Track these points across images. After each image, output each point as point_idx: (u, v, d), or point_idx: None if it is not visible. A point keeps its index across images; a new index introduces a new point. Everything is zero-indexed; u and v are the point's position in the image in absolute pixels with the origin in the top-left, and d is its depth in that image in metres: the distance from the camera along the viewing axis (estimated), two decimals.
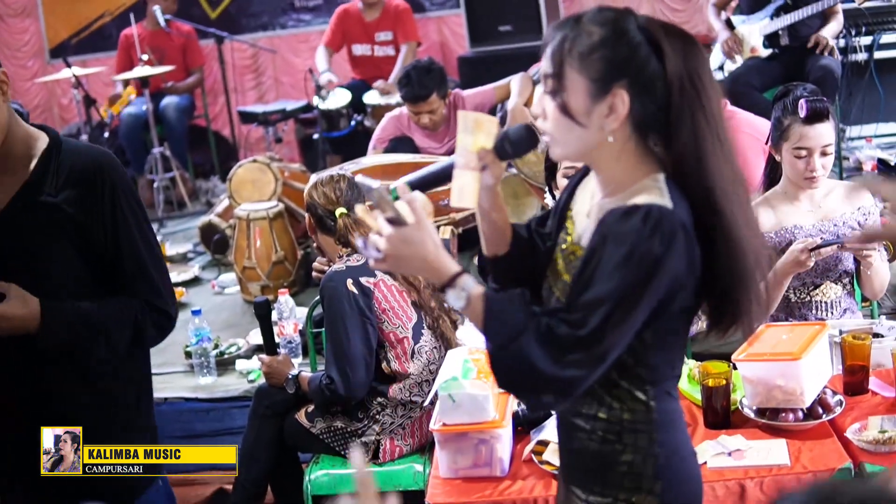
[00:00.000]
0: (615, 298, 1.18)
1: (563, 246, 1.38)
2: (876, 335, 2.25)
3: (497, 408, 2.16)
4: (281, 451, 2.83)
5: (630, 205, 1.22)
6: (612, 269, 1.18)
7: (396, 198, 1.24)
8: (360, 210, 1.31)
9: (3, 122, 1.66)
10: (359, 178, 1.27)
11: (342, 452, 2.66)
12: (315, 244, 2.82)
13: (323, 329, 2.89)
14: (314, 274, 3.02)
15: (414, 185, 1.27)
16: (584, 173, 1.45)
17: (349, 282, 2.61)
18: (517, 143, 1.32)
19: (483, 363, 2.48)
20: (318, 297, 2.86)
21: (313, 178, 2.80)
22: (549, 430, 2.16)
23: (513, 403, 2.37)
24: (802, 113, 2.28)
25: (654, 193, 1.24)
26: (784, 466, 1.96)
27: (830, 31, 4.21)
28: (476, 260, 1.57)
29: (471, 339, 2.59)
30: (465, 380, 2.25)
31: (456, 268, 1.22)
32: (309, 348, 3.13)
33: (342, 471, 2.64)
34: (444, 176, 1.30)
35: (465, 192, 1.26)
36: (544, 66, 1.27)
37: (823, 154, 2.32)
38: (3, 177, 1.69)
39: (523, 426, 2.26)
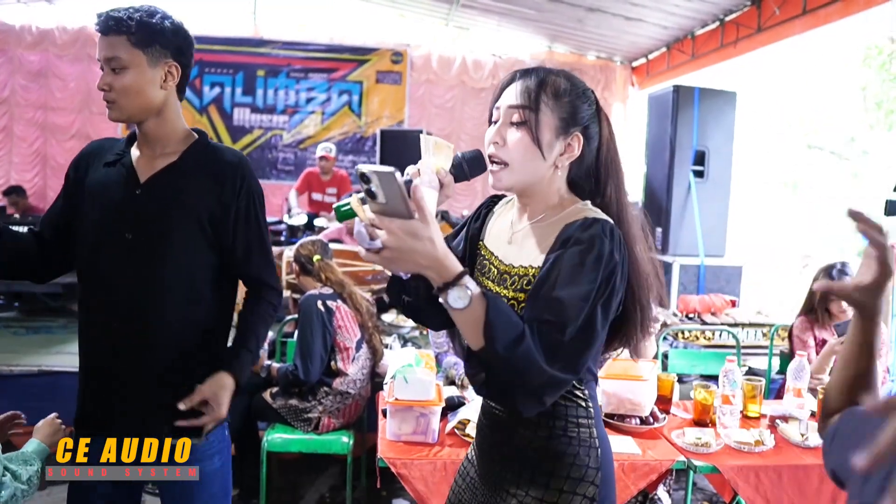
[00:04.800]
0: (593, 298, 1.13)
1: (492, 271, 1.33)
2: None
3: (435, 391, 2.43)
4: (248, 418, 3.29)
5: (583, 218, 1.21)
6: (586, 272, 1.13)
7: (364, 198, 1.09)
8: (354, 200, 1.11)
9: (154, 104, 1.66)
10: (362, 167, 1.02)
11: (291, 423, 3.14)
12: (297, 281, 3.41)
13: (288, 340, 3.51)
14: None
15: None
16: (489, 206, 1.46)
17: (319, 302, 3.15)
18: (473, 164, 1.30)
19: (430, 357, 2.86)
20: (287, 318, 3.53)
21: (298, 243, 3.51)
22: (465, 411, 2.49)
23: (446, 389, 2.65)
24: None
25: (593, 214, 1.23)
26: (637, 455, 2.25)
27: None
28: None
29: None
30: (417, 367, 2.57)
31: (461, 267, 1.10)
32: (276, 352, 3.71)
33: (290, 436, 3.09)
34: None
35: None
36: (515, 99, 1.25)
37: None
38: (156, 157, 1.71)
39: (445, 410, 2.55)
